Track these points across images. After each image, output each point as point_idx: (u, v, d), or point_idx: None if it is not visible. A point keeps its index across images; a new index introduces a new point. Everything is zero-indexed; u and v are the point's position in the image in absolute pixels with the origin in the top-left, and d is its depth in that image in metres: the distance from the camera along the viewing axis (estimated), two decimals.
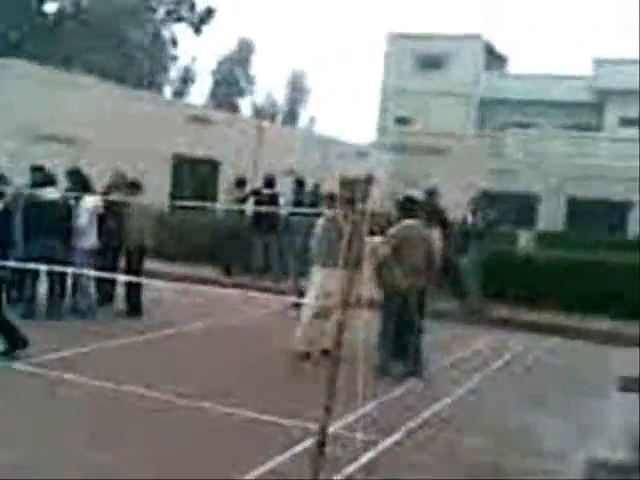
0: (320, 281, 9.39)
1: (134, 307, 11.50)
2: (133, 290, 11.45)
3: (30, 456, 5.81)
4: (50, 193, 10.60)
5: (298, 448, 6.25)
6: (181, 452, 6.09)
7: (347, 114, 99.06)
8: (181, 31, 41.17)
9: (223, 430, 6.77)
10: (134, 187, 11.87)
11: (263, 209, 15.10)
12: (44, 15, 33.37)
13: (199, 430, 6.71)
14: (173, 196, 20.66)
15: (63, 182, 11.45)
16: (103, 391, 7.59)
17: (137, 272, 11.32)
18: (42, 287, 10.89)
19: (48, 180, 10.90)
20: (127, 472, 5.62)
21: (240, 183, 16.53)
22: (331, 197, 10.42)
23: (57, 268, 9.67)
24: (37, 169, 11.40)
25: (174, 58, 42.51)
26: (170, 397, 7.45)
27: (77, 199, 10.78)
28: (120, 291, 11.81)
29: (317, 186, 16.36)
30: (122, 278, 11.17)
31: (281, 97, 63.45)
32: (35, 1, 33.33)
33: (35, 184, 10.84)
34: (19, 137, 16.75)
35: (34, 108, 17.03)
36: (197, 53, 76.77)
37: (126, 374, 8.22)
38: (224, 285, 13.70)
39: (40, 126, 16.98)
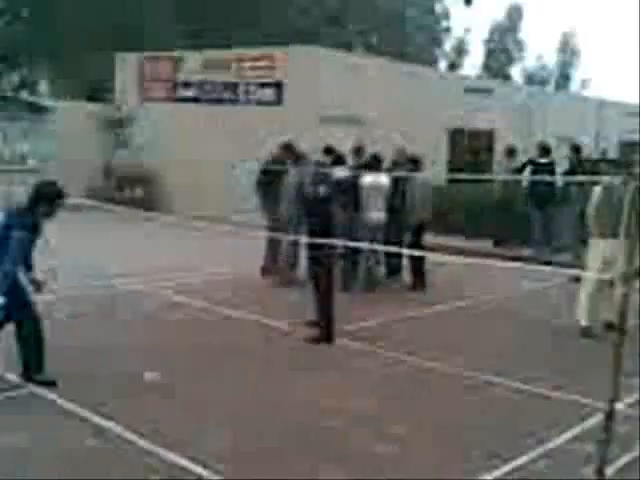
0: (600, 252, 9.30)
1: (419, 280, 12.09)
2: (416, 263, 12.01)
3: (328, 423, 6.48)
4: (340, 172, 11.37)
5: (585, 425, 6.36)
6: (466, 423, 6.45)
7: (620, 73, 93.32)
8: (453, 2, 41.09)
9: (509, 404, 7.01)
10: (415, 163, 12.41)
11: (539, 178, 14.96)
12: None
13: (486, 403, 7.00)
14: (451, 169, 20.98)
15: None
16: (395, 361, 8.14)
17: (419, 245, 11.87)
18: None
19: (338, 160, 11.77)
20: (414, 441, 6.04)
21: (510, 152, 16.45)
22: (615, 163, 10.23)
23: (350, 244, 10.21)
24: (327, 150, 12.29)
25: (447, 30, 42.57)
26: (458, 370, 7.83)
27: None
28: (405, 264, 12.35)
29: (604, 152, 15.80)
30: (407, 252, 11.70)
31: (552, 61, 61.34)
32: None
33: (327, 164, 11.69)
34: (313, 119, 17.88)
35: (327, 91, 18.13)
36: (469, 24, 76.09)
37: (416, 345, 8.74)
38: (502, 258, 13.73)
39: (330, 108, 18.00)
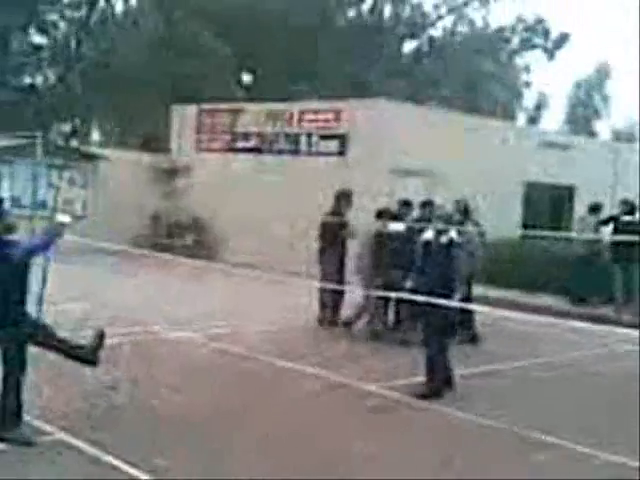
0: None
1: (467, 335, 11.35)
2: (465, 317, 11.16)
3: None
4: (395, 226, 10.92)
5: None
6: None
7: None
8: (535, 58, 40.77)
9: None
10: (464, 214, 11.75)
11: (622, 238, 14.08)
12: (401, 55, 35.01)
13: None
14: (525, 224, 20.25)
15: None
16: (458, 422, 7.64)
17: (466, 299, 10.97)
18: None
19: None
20: None
21: (594, 209, 15.87)
22: None
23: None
24: (405, 203, 11.83)
25: (527, 85, 42.29)
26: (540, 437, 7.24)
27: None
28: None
29: None
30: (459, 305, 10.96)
31: None
32: (395, 42, 35.10)
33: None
34: (384, 173, 17.49)
35: (395, 144, 17.72)
36: (551, 78, 75.14)
37: (480, 404, 8.22)
38: (572, 317, 12.80)
39: (401, 160, 17.58)
